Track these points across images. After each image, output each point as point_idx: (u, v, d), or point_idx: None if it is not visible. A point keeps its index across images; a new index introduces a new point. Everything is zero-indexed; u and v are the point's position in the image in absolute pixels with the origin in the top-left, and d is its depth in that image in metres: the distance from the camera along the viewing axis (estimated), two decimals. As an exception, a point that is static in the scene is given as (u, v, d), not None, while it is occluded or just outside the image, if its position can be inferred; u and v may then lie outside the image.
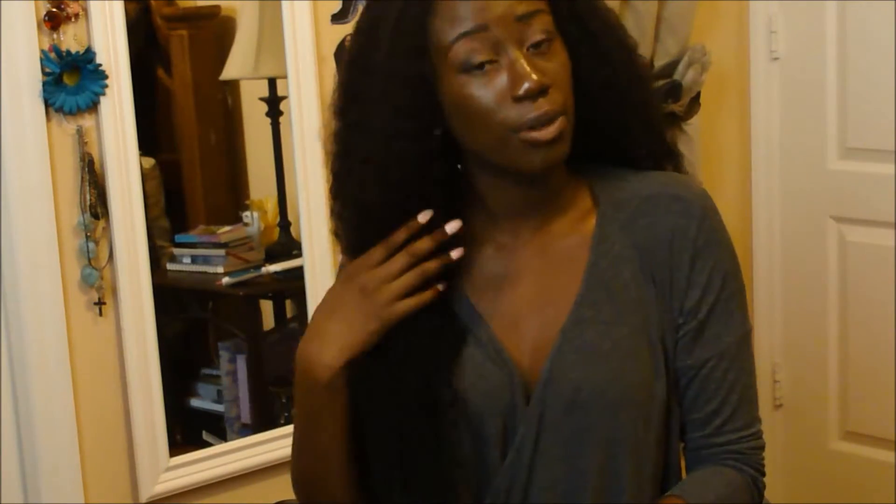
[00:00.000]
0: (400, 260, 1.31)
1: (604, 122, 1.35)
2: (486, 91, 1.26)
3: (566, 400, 1.32)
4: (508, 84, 1.25)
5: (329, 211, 1.40)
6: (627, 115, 1.36)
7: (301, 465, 1.41)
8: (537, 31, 1.27)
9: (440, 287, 1.32)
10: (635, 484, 1.35)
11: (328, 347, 1.31)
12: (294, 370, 1.35)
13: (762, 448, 1.41)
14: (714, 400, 1.37)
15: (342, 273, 1.37)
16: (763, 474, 1.41)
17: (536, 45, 1.27)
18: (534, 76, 1.24)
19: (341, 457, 1.36)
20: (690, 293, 1.35)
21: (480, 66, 1.26)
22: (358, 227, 1.35)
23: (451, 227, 1.32)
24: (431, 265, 1.31)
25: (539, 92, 1.25)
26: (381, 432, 1.34)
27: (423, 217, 1.31)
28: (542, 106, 1.25)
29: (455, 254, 1.32)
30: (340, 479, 1.37)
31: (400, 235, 1.31)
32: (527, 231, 1.37)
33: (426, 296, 1.31)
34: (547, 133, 1.26)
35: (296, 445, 1.41)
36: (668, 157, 1.42)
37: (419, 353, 1.33)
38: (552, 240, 1.36)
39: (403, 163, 1.30)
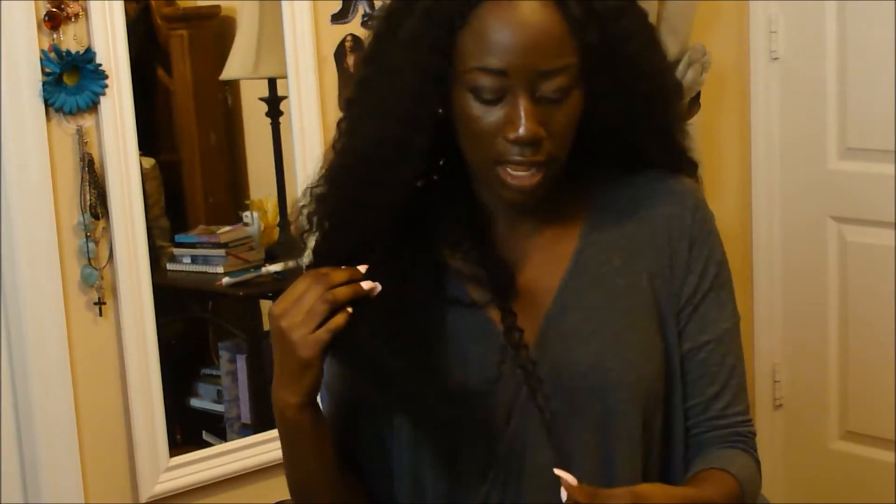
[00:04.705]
0: (313, 290, 1.30)
1: (617, 142, 1.38)
2: (484, 118, 1.28)
3: (550, 385, 1.33)
4: (504, 122, 1.27)
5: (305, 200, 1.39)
6: (644, 139, 1.38)
7: (292, 483, 1.44)
8: (554, 86, 1.27)
9: (350, 309, 1.30)
10: (629, 470, 1.35)
11: (282, 389, 1.33)
12: None
13: (755, 437, 1.44)
14: (715, 383, 1.39)
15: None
16: (759, 464, 1.43)
17: (549, 98, 1.28)
18: (529, 126, 1.26)
19: (328, 471, 1.39)
20: (689, 279, 1.38)
21: (486, 101, 1.28)
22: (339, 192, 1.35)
23: (367, 285, 1.32)
24: (342, 292, 1.30)
25: (529, 143, 1.27)
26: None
27: (363, 268, 1.32)
28: (527, 154, 1.27)
29: (366, 285, 1.32)
30: (332, 490, 1.40)
31: (324, 271, 1.31)
32: (526, 225, 1.39)
33: (339, 319, 1.30)
34: (522, 181, 1.28)
35: (285, 464, 1.43)
36: (683, 169, 1.44)
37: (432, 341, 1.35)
38: (545, 230, 1.39)
39: (405, 125, 1.30)
